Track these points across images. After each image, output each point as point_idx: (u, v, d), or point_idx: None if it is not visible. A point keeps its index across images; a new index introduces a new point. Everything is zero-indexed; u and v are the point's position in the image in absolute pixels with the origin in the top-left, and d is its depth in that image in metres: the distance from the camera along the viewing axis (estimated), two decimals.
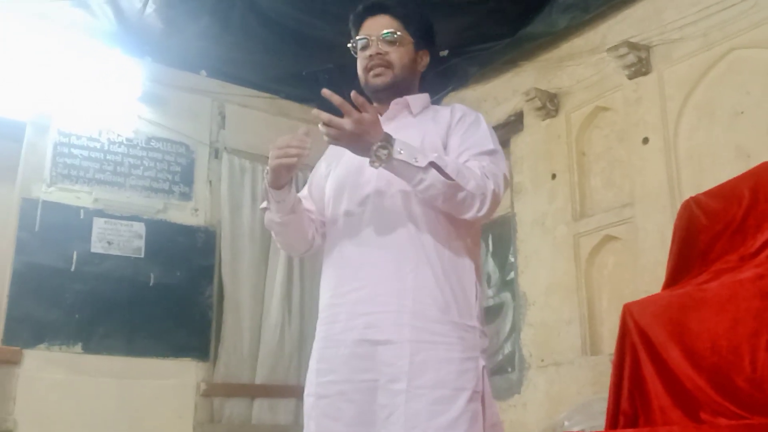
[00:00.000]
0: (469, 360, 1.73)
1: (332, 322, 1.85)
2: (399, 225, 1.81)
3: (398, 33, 1.95)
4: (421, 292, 1.76)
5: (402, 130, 1.86)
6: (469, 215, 1.76)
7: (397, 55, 1.95)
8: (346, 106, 1.64)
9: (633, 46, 3.87)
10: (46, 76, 4.41)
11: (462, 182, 1.71)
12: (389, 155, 1.67)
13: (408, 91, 2.00)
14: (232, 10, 4.25)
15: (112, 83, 4.58)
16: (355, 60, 2.02)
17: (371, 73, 1.96)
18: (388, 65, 1.94)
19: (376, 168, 1.71)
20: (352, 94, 1.67)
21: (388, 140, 1.67)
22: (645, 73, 3.90)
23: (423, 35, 2.02)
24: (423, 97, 2.03)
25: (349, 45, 2.01)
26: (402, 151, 1.68)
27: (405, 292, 1.76)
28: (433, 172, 1.69)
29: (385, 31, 1.95)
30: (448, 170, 1.70)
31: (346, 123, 1.64)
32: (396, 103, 1.97)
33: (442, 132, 1.90)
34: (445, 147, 1.88)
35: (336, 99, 1.64)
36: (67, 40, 4.47)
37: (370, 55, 1.95)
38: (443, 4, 3.96)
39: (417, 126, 1.93)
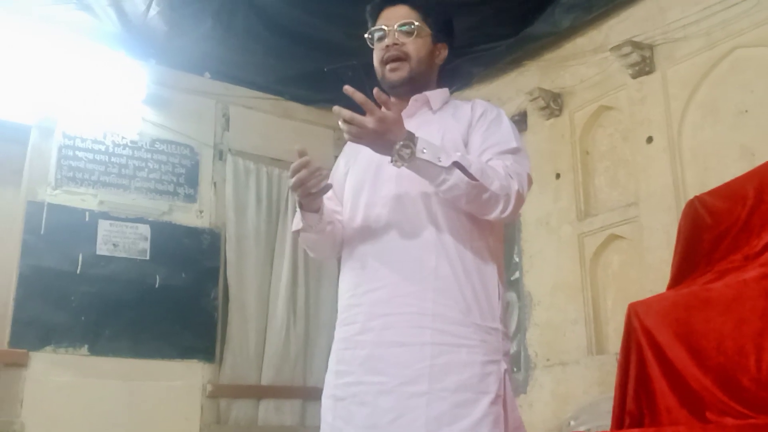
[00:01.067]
0: (491, 363, 1.71)
1: (351, 323, 1.83)
2: (419, 225, 1.78)
3: (416, 24, 1.90)
4: (442, 293, 1.73)
5: (422, 127, 1.84)
6: (493, 216, 1.73)
7: (414, 47, 1.91)
8: (369, 104, 1.61)
9: (636, 46, 3.87)
10: (50, 80, 4.43)
11: (486, 183, 1.68)
12: (412, 154, 1.63)
13: (426, 85, 1.96)
14: (236, 13, 4.26)
15: (116, 86, 4.60)
16: (365, 60, 2.00)
17: (388, 67, 1.92)
18: (405, 57, 1.90)
19: (398, 167, 1.68)
20: (375, 91, 1.64)
21: (411, 139, 1.64)
22: (648, 73, 3.90)
23: (442, 27, 1.98)
24: (443, 92, 1.99)
25: (366, 35, 1.96)
26: (425, 150, 1.64)
27: (426, 294, 1.73)
28: (457, 172, 1.65)
29: (402, 21, 1.91)
30: (471, 170, 1.66)
31: (368, 121, 1.61)
32: (415, 100, 1.94)
33: (463, 128, 1.87)
34: (466, 144, 1.84)
35: (359, 97, 1.61)
36: (71, 43, 4.49)
37: (387, 46, 1.91)
38: (448, 4, 3.96)
39: (437, 122, 1.89)
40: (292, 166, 1.78)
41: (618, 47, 3.92)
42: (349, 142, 1.97)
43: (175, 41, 4.57)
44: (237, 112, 5.11)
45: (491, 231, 1.85)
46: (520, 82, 4.64)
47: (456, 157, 1.66)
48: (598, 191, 4.19)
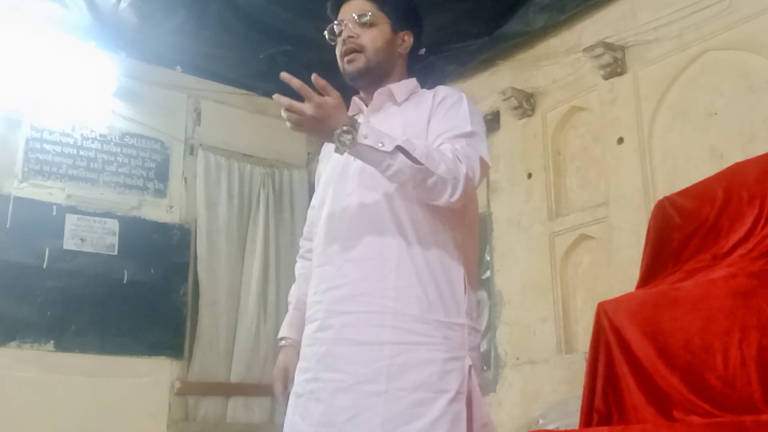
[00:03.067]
0: (453, 360, 1.69)
1: (312, 321, 1.82)
2: (381, 221, 1.76)
3: (370, 14, 1.90)
4: (404, 291, 1.71)
5: (386, 121, 1.83)
6: (442, 201, 1.69)
7: (369, 38, 1.89)
8: (306, 90, 1.59)
9: (608, 47, 3.90)
10: (18, 71, 4.35)
11: (431, 166, 1.64)
12: (353, 140, 1.60)
13: (388, 76, 1.94)
14: (209, 6, 4.22)
15: (85, 78, 4.53)
16: (333, 56, 1.99)
17: (345, 59, 1.91)
18: (360, 49, 1.89)
19: (341, 154, 1.66)
20: (313, 77, 1.61)
21: (352, 125, 1.60)
22: (620, 74, 3.93)
23: (403, 15, 1.96)
24: (408, 83, 1.96)
25: (325, 33, 1.95)
26: (367, 136, 1.61)
27: (386, 292, 1.71)
28: (401, 156, 1.62)
29: (358, 13, 1.90)
30: (416, 154, 1.63)
31: (306, 108, 1.58)
32: (380, 93, 1.92)
33: (424, 117, 1.84)
34: (425, 134, 1.82)
35: (295, 82, 1.59)
36: (40, 34, 4.41)
37: (343, 40, 1.90)
38: (421, 2, 3.96)
39: (400, 114, 1.88)
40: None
41: (590, 48, 3.95)
42: (324, 144, 1.98)
43: (146, 34, 4.51)
44: (209, 107, 5.06)
45: (459, 224, 1.82)
46: (494, 82, 4.65)
47: (399, 141, 1.63)
48: (569, 191, 4.21)
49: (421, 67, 4.70)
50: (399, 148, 1.62)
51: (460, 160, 1.70)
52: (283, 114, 1.62)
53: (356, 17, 1.90)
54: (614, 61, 3.90)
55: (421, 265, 1.74)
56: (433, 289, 1.73)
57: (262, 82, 5.08)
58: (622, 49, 3.92)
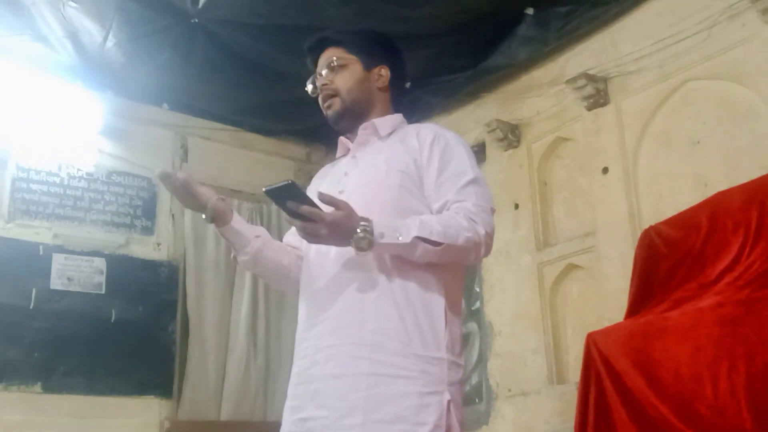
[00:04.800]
0: (431, 395, 1.66)
1: (302, 357, 1.81)
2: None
3: (336, 58, 1.94)
4: (382, 323, 1.71)
5: (370, 156, 1.86)
6: (468, 263, 1.78)
7: (341, 81, 1.94)
8: (315, 214, 1.63)
9: (591, 78, 3.94)
10: (4, 110, 4.36)
11: (451, 242, 1.70)
12: (371, 243, 1.65)
13: (369, 112, 1.96)
14: (195, 43, 4.24)
15: (72, 117, 4.54)
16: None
17: (324, 106, 1.96)
18: (335, 93, 1.94)
19: (364, 254, 1.69)
20: (318, 194, 1.66)
21: (365, 228, 1.64)
22: (603, 104, 3.97)
23: (373, 51, 1.99)
24: (392, 118, 1.98)
25: (307, 90, 2.01)
26: (384, 234, 1.66)
27: (366, 324, 1.71)
28: (421, 244, 1.68)
29: (327, 62, 1.96)
30: (434, 237, 1.68)
31: (320, 228, 1.63)
32: (364, 128, 1.94)
33: (409, 156, 1.85)
34: (410, 172, 1.83)
35: (304, 210, 1.62)
36: (26, 75, 4.42)
37: (320, 89, 1.96)
38: (405, 36, 4.00)
39: (384, 150, 1.89)
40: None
41: (573, 80, 3.99)
42: (314, 178, 2.06)
43: (132, 72, 4.53)
44: (195, 143, 5.08)
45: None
46: (479, 114, 4.69)
47: (415, 230, 1.67)
48: (556, 221, 4.23)
49: (407, 101, 4.73)
50: (417, 238, 1.67)
51: (475, 221, 1.74)
52: (299, 232, 1.67)
53: (327, 65, 1.96)
54: (597, 92, 3.95)
55: (400, 297, 1.73)
56: (412, 321, 1.72)
57: (249, 117, 5.11)
58: (605, 80, 3.96)
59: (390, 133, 1.95)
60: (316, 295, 1.83)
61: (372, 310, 1.72)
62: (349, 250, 1.74)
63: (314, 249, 1.86)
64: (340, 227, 1.64)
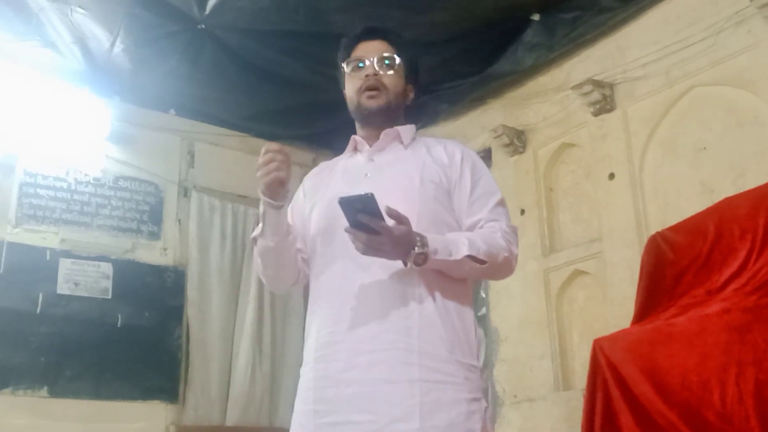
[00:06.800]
0: (475, 401, 1.72)
1: (332, 360, 1.77)
2: (401, 264, 1.76)
3: (394, 57, 1.96)
4: (428, 330, 1.73)
5: (397, 163, 1.87)
6: (495, 279, 1.87)
7: (392, 81, 1.95)
8: (386, 228, 1.64)
9: (597, 84, 3.95)
10: (12, 116, 4.38)
11: (493, 261, 1.77)
12: (426, 259, 1.69)
13: (397, 120, 1.99)
14: (202, 49, 4.26)
15: (79, 123, 4.56)
16: (331, 98, 2.02)
17: (365, 94, 1.94)
18: (384, 87, 1.94)
19: (412, 268, 1.71)
20: (386, 208, 1.64)
21: (422, 244, 1.68)
22: (609, 110, 3.97)
23: (412, 68, 2.03)
24: (411, 128, 2.02)
25: (342, 63, 2.00)
26: (437, 251, 1.70)
27: (412, 330, 1.72)
28: (469, 261, 1.73)
29: (384, 54, 1.95)
30: (481, 256, 1.74)
31: (385, 244, 1.65)
32: (386, 134, 1.95)
33: (440, 169, 1.90)
34: (446, 185, 1.87)
35: (375, 224, 1.63)
36: (35, 80, 4.44)
37: (367, 75, 1.94)
38: (413, 43, 4.00)
39: (412, 159, 1.91)
40: (266, 146, 1.86)
41: (579, 86, 3.99)
42: (309, 180, 2.03)
43: (140, 78, 4.55)
44: (202, 149, 5.09)
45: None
46: (485, 120, 4.69)
47: (465, 249, 1.73)
48: (562, 227, 4.23)
49: (414, 106, 4.74)
50: (467, 257, 1.73)
51: (510, 241, 1.85)
52: (356, 244, 1.67)
53: (383, 58, 1.95)
54: (603, 98, 3.95)
55: (441, 307, 1.77)
56: (452, 330, 1.77)
57: (256, 123, 5.12)
58: (611, 86, 3.97)
59: (410, 143, 1.98)
60: (347, 298, 1.79)
61: (416, 317, 1.74)
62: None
63: (339, 251, 1.83)
64: (401, 243, 1.67)
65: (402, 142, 1.96)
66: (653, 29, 3.82)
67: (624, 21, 3.94)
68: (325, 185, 1.93)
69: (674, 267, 3.09)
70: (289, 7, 3.88)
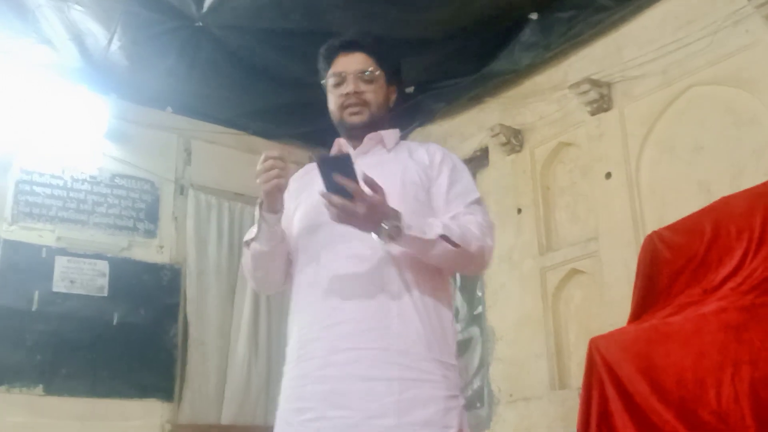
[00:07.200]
0: (452, 398, 1.74)
1: (311, 358, 1.79)
2: (381, 260, 1.79)
3: (371, 69, 1.96)
4: (406, 328, 1.75)
5: (380, 166, 1.88)
6: (468, 272, 1.83)
7: (373, 95, 1.97)
8: (360, 193, 1.63)
9: (594, 83, 3.95)
10: (8, 114, 4.36)
11: (467, 247, 1.76)
12: (399, 232, 1.68)
13: (381, 126, 2.00)
14: (199, 47, 4.25)
15: (76, 120, 4.55)
16: (322, 96, 2.02)
17: (347, 111, 1.96)
18: (365, 104, 1.95)
19: (386, 243, 1.71)
20: (363, 176, 1.65)
21: (396, 217, 1.68)
22: (606, 110, 3.97)
23: (394, 71, 2.04)
24: (395, 132, 2.04)
25: (322, 81, 2.01)
26: (411, 227, 1.70)
27: (390, 330, 1.74)
28: (443, 243, 1.73)
29: (362, 69, 1.96)
30: (454, 239, 1.74)
31: (359, 207, 1.64)
32: (370, 138, 1.97)
33: (421, 170, 1.92)
34: (425, 187, 1.89)
35: (351, 186, 1.63)
36: (31, 78, 4.43)
37: (347, 93, 1.95)
38: (410, 41, 4.01)
39: (395, 162, 1.94)
40: (266, 153, 1.85)
41: (576, 85, 4.00)
42: (293, 181, 2.01)
43: (137, 75, 4.54)
44: (199, 147, 5.08)
45: (444, 272, 1.90)
46: (482, 119, 4.69)
47: (439, 229, 1.73)
48: (559, 226, 4.23)
49: (410, 105, 4.75)
50: (441, 237, 1.73)
51: (486, 233, 1.84)
52: (329, 209, 1.66)
53: (360, 72, 1.96)
54: (600, 97, 3.95)
55: (419, 305, 1.79)
56: (430, 329, 1.78)
57: (253, 121, 5.11)
58: (608, 85, 3.97)
59: (393, 146, 2.00)
60: (327, 297, 1.81)
61: (395, 315, 1.76)
62: (367, 255, 1.78)
63: (321, 252, 1.85)
64: (376, 211, 1.66)
65: (385, 146, 1.99)
66: (650, 28, 3.82)
67: (621, 20, 3.94)
68: (309, 187, 1.93)
69: (671, 266, 3.09)
70: (286, 5, 3.88)
